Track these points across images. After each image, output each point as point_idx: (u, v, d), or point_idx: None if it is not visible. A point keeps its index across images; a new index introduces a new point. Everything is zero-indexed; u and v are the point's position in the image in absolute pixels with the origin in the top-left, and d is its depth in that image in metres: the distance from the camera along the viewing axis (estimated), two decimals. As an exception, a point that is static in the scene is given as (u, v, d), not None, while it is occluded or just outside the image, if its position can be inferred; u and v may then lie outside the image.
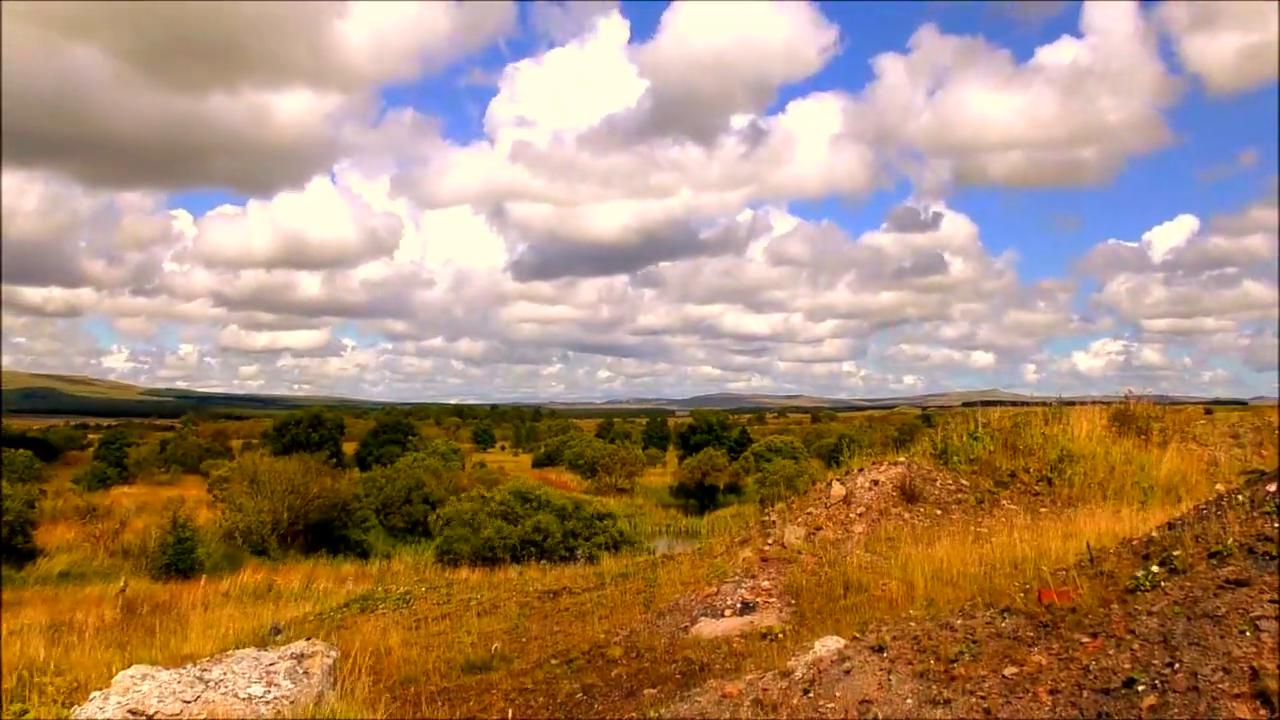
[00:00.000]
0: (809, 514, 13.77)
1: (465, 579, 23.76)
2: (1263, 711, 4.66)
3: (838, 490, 14.13)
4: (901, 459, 15.00)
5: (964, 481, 14.54)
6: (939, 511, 13.68)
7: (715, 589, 11.53)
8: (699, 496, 74.93)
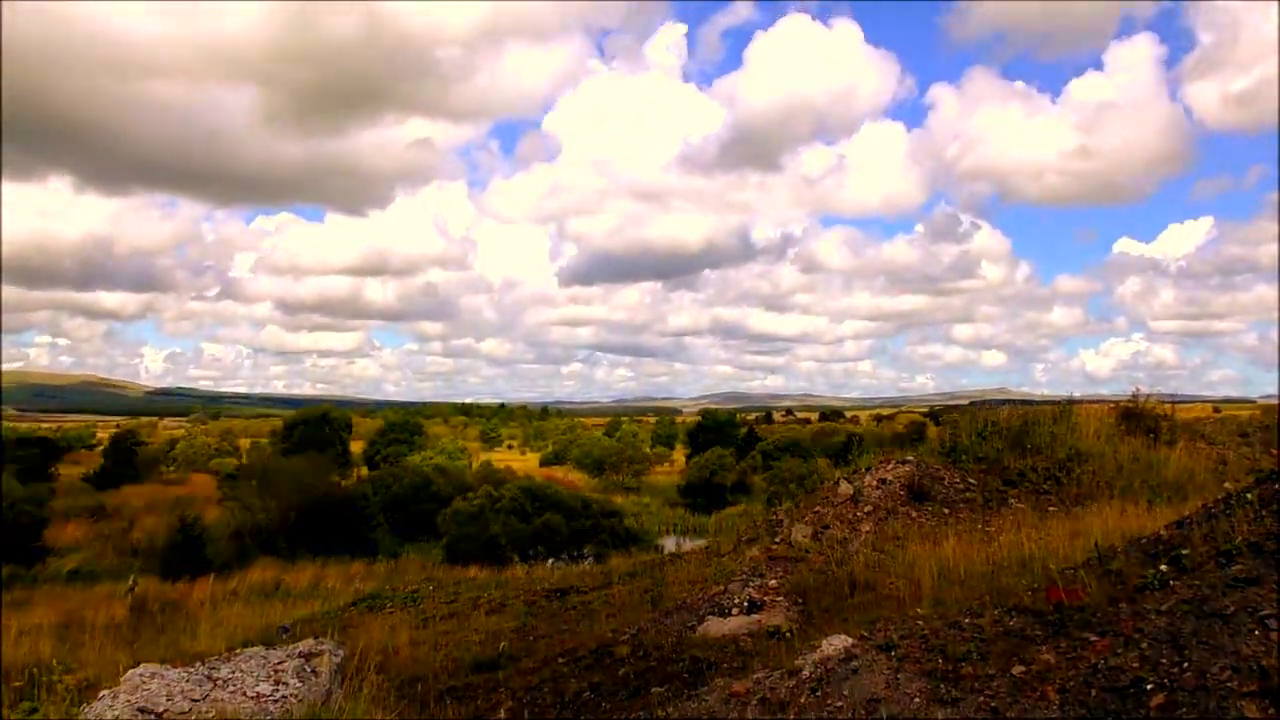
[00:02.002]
0: (816, 513, 13.76)
1: (473, 577, 23.80)
2: (1272, 710, 4.64)
3: (845, 489, 14.11)
4: (910, 458, 14.98)
5: (972, 480, 14.51)
6: (946, 510, 13.66)
7: (722, 587, 11.53)
8: (706, 495, 74.94)
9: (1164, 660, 5.34)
